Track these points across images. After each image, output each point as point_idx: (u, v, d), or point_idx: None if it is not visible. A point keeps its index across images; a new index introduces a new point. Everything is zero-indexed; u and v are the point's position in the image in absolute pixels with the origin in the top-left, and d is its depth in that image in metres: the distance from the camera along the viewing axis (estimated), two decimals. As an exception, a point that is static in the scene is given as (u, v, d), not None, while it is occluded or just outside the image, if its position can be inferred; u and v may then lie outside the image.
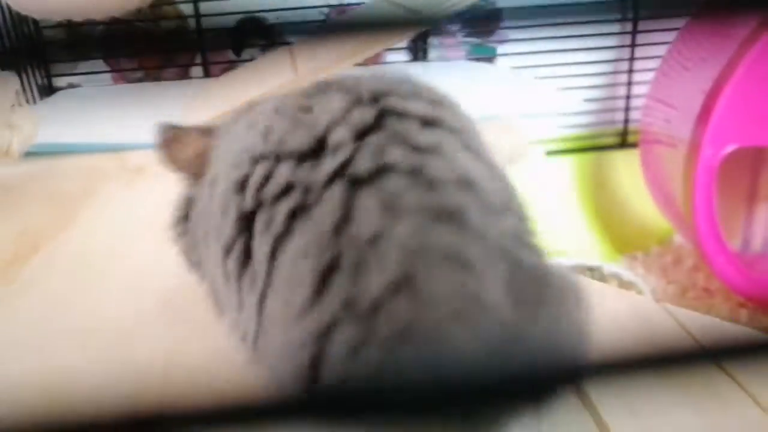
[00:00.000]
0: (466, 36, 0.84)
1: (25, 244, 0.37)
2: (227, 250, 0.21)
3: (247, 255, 0.21)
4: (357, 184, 0.19)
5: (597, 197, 0.89)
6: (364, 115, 0.22)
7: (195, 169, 0.27)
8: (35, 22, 0.76)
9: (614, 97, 0.87)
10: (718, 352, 0.14)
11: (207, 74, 0.81)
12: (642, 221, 0.89)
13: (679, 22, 0.79)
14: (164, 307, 0.31)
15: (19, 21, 0.75)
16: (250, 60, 0.80)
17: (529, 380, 0.17)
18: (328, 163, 0.20)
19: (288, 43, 0.79)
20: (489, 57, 0.85)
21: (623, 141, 0.88)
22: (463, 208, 0.20)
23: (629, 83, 0.86)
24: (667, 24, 0.82)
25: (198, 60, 0.81)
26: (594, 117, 0.88)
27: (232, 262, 0.21)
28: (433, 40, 0.83)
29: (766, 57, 0.65)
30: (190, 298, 0.31)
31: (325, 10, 0.80)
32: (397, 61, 0.83)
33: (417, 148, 0.21)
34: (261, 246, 0.20)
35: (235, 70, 0.75)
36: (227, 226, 0.21)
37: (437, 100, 0.24)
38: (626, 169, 0.87)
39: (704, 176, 0.68)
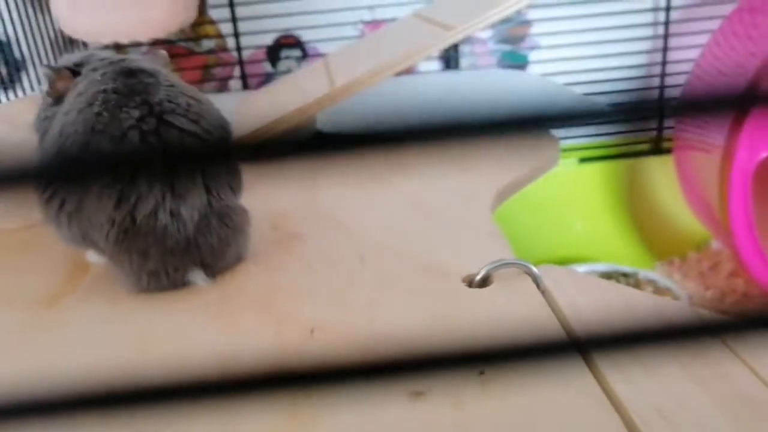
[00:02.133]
0: (497, 43, 0.85)
1: (83, 255, 0.40)
2: None
3: None
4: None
5: (631, 204, 0.89)
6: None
7: (60, 96, 0.37)
8: (84, 44, 0.80)
9: (647, 101, 0.87)
10: (719, 325, 0.16)
11: (245, 87, 0.84)
12: (678, 227, 0.88)
13: (711, 24, 0.79)
14: (214, 317, 0.32)
15: (70, 43, 0.79)
16: (286, 72, 0.82)
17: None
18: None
19: (322, 55, 0.82)
20: (521, 64, 0.86)
21: (657, 147, 0.87)
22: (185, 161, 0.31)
23: (662, 88, 0.86)
24: (700, 27, 0.82)
25: (236, 74, 0.84)
26: (627, 123, 0.88)
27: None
28: (464, 48, 0.84)
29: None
30: (239, 306, 0.33)
31: (360, 25, 0.82)
32: (429, 70, 0.84)
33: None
34: None
35: (272, 83, 0.77)
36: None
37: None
38: (660, 176, 0.87)
39: (740, 181, 0.68)
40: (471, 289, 0.32)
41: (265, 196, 0.47)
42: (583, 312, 0.31)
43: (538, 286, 0.32)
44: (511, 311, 0.30)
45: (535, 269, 0.33)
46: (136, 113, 0.33)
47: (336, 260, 0.36)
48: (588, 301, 0.33)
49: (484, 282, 0.33)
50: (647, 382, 0.26)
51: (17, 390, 0.15)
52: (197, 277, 0.35)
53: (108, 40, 0.72)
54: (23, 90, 0.77)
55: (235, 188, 0.37)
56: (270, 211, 0.44)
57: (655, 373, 0.27)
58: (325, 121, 0.57)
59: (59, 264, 0.39)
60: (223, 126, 0.36)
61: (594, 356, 0.27)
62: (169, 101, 0.34)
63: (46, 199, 0.35)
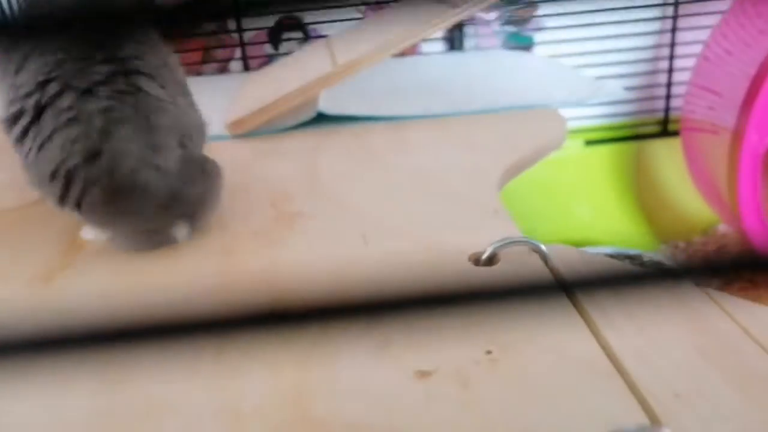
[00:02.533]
0: (502, 24, 0.84)
1: (80, 233, 0.39)
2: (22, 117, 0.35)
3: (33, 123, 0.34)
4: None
5: (637, 186, 0.88)
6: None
7: None
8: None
9: (655, 85, 0.86)
10: (697, 270, 0.16)
11: (246, 68, 0.83)
12: (684, 211, 0.87)
13: (722, 5, 0.78)
14: (214, 290, 0.32)
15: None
16: (288, 54, 0.81)
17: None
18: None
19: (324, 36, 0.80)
20: (526, 45, 0.85)
21: (664, 129, 0.86)
22: (158, 117, 0.34)
23: (670, 70, 0.84)
24: (709, 7, 0.81)
25: (237, 55, 0.83)
26: (634, 105, 0.87)
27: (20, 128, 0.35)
28: (468, 30, 0.83)
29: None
30: (239, 280, 0.32)
31: (362, 7, 0.80)
32: (433, 51, 0.83)
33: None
34: (46, 120, 0.34)
35: (274, 63, 0.76)
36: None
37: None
38: (667, 158, 0.86)
39: (749, 163, 0.67)
40: (478, 268, 0.31)
41: (264, 174, 0.46)
42: (592, 289, 0.30)
43: (546, 264, 0.32)
44: (520, 288, 0.30)
45: (543, 247, 0.32)
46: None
47: (338, 239, 0.36)
48: (596, 278, 0.32)
49: (491, 260, 0.32)
50: (651, 352, 0.25)
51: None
52: (182, 231, 0.36)
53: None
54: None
55: (202, 140, 0.38)
56: (269, 189, 0.43)
57: (659, 343, 0.26)
58: (327, 102, 0.56)
59: (55, 242, 0.38)
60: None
61: (600, 325, 0.26)
62: None
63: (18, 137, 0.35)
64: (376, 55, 0.51)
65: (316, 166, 0.47)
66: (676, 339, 0.27)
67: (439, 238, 0.35)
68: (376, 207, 0.39)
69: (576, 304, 0.28)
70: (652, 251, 0.84)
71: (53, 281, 0.34)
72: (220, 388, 0.24)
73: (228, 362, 0.25)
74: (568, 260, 0.32)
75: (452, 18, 0.51)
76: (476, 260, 0.32)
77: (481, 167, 0.44)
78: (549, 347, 0.26)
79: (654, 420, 0.22)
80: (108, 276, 0.34)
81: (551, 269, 0.31)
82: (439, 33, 0.81)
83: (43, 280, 0.34)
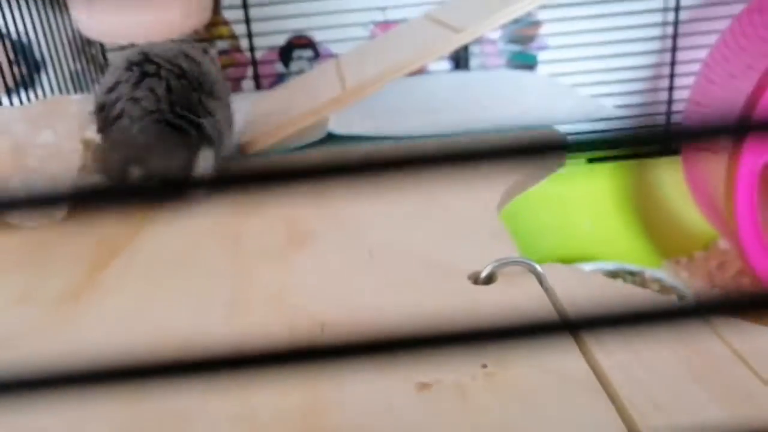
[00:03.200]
0: (507, 43, 0.86)
1: (104, 251, 0.41)
2: None
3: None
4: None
5: (639, 203, 0.89)
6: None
7: None
8: (101, 44, 0.82)
9: (656, 102, 0.88)
10: (703, 307, 0.17)
11: (258, 87, 0.85)
12: (685, 227, 0.89)
13: (721, 24, 0.80)
14: (229, 309, 0.34)
15: (88, 44, 0.81)
16: (299, 72, 0.84)
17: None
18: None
19: (334, 55, 0.83)
20: (530, 64, 0.87)
21: (666, 147, 0.88)
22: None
23: (671, 88, 0.86)
24: (709, 27, 0.83)
25: (249, 74, 0.85)
26: (636, 123, 0.89)
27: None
28: (474, 48, 0.85)
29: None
30: (252, 300, 0.34)
31: (371, 26, 0.83)
32: (439, 70, 0.85)
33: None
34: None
35: (284, 84, 0.78)
36: None
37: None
38: (668, 175, 0.88)
39: (746, 182, 0.68)
40: (476, 286, 0.33)
41: (278, 195, 0.48)
42: (584, 309, 0.32)
43: (541, 283, 0.34)
44: (515, 308, 0.32)
45: (538, 267, 0.34)
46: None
47: (346, 257, 0.38)
48: (590, 299, 0.34)
49: (490, 279, 0.34)
50: (641, 372, 0.27)
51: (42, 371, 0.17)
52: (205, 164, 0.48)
53: (124, 40, 0.73)
54: (42, 89, 0.79)
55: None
56: (281, 209, 0.45)
57: (649, 363, 0.28)
58: (337, 122, 0.58)
59: (80, 262, 0.40)
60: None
61: (591, 346, 0.28)
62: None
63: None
64: (383, 78, 0.53)
65: (326, 186, 0.49)
66: (665, 357, 0.29)
67: (441, 257, 0.37)
68: (383, 229, 0.41)
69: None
70: (654, 267, 0.85)
71: (78, 301, 0.36)
72: (236, 400, 0.26)
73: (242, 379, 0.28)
74: (563, 280, 0.34)
75: (456, 44, 0.53)
76: (475, 279, 0.34)
77: (483, 189, 0.46)
78: (540, 363, 0.28)
79: None
80: (132, 296, 0.36)
81: (546, 289, 0.33)
82: (445, 54, 0.84)
83: (69, 300, 0.36)
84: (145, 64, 0.47)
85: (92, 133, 0.50)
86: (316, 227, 0.42)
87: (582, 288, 0.35)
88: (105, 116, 0.47)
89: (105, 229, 0.45)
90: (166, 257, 0.40)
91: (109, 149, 0.47)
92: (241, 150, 0.57)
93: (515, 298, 0.32)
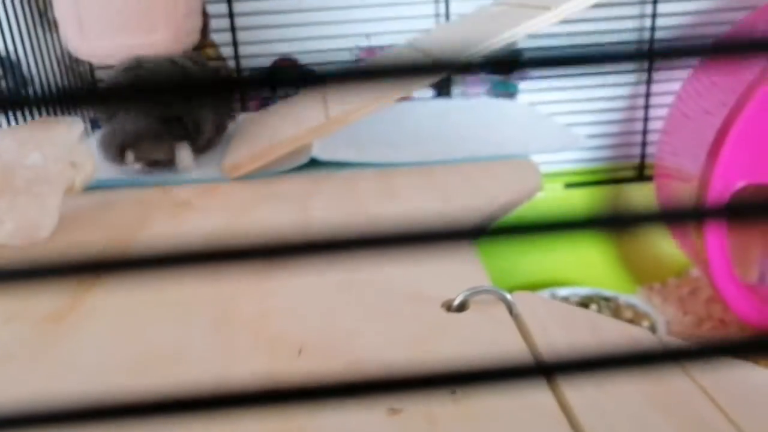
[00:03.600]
0: (488, 73, 0.89)
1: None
2: None
3: None
4: None
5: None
6: None
7: None
8: (90, 64, 0.83)
9: (631, 132, 0.91)
10: (681, 353, 0.18)
11: (244, 109, 0.87)
12: (659, 253, 0.91)
13: (694, 61, 0.83)
14: (213, 332, 0.35)
15: (76, 62, 0.82)
16: (284, 95, 0.85)
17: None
18: None
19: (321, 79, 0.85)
20: (511, 93, 0.89)
21: (640, 174, 0.91)
22: None
23: (645, 119, 0.89)
24: (683, 62, 0.86)
25: (236, 97, 0.87)
26: (612, 151, 0.91)
27: None
28: (456, 76, 0.88)
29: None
30: (237, 324, 0.36)
31: (356, 51, 0.85)
32: (422, 97, 0.88)
33: None
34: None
35: (269, 108, 0.80)
36: None
37: None
38: (643, 202, 0.90)
39: (715, 212, 0.71)
40: (448, 314, 0.35)
41: (256, 221, 0.50)
42: (551, 336, 0.34)
43: (510, 312, 0.35)
44: (483, 336, 0.33)
45: (508, 296, 0.36)
46: None
47: (325, 283, 0.39)
48: (558, 326, 0.35)
49: (462, 307, 0.35)
50: (606, 404, 0.29)
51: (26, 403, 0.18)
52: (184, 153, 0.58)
53: (114, 61, 0.74)
54: (29, 106, 0.80)
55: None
56: (264, 235, 0.46)
57: (615, 396, 0.30)
58: (320, 148, 0.60)
59: (64, 282, 0.41)
60: None
61: (558, 379, 0.30)
62: None
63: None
64: (366, 108, 0.55)
65: (308, 211, 0.50)
66: (632, 391, 0.30)
67: (416, 284, 0.38)
68: (357, 251, 0.43)
69: (534, 353, 0.32)
70: (628, 292, 0.88)
71: (64, 321, 0.37)
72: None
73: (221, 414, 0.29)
74: (532, 308, 0.36)
75: (439, 74, 0.55)
76: (448, 307, 0.36)
77: (458, 218, 0.47)
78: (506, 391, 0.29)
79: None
80: (117, 317, 0.37)
81: (515, 317, 0.35)
82: (425, 85, 0.86)
83: (54, 320, 0.37)
84: (138, 69, 0.62)
85: (80, 156, 0.51)
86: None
87: (551, 316, 0.36)
88: (107, 111, 0.61)
89: (91, 250, 0.46)
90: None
91: (109, 137, 0.59)
92: (227, 173, 0.58)
93: (485, 326, 0.34)
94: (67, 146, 0.50)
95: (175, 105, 0.60)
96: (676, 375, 0.32)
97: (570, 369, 0.25)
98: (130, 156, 0.58)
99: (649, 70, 0.87)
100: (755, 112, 0.69)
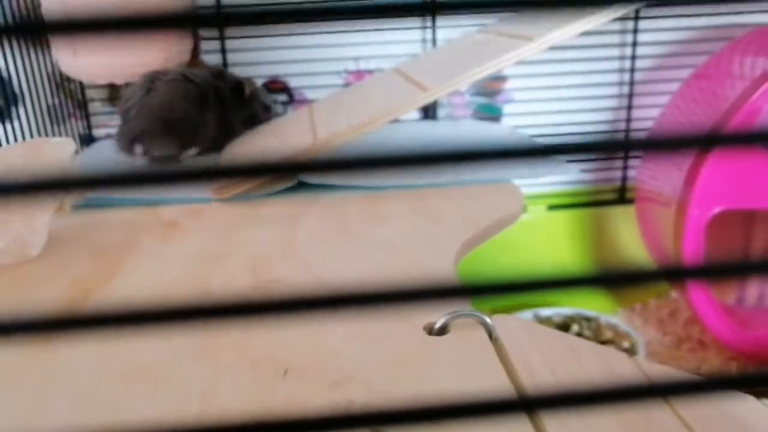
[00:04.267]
0: (473, 95, 0.90)
1: (77, 292, 0.43)
2: None
3: None
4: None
5: (597, 250, 0.93)
6: None
7: None
8: (81, 83, 0.84)
9: (613, 157, 0.93)
10: (665, 389, 0.19)
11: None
12: (640, 268, 0.93)
13: (673, 86, 0.85)
14: (199, 352, 0.36)
15: (67, 80, 0.83)
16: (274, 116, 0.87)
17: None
18: None
19: (308, 101, 0.86)
20: (495, 116, 0.91)
21: (621, 197, 0.93)
22: None
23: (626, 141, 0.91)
24: (661, 88, 0.88)
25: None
26: (594, 174, 0.93)
27: None
28: (442, 99, 0.89)
29: (750, 123, 0.71)
30: (220, 343, 0.36)
31: (344, 75, 0.87)
32: (408, 119, 0.89)
33: None
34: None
35: (259, 128, 0.81)
36: None
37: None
38: (624, 224, 0.92)
39: (692, 236, 0.73)
40: (430, 337, 0.36)
41: (246, 239, 0.51)
42: (530, 360, 0.35)
43: (490, 336, 0.36)
44: (463, 359, 0.34)
45: (488, 320, 0.37)
46: None
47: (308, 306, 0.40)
48: (536, 350, 0.37)
49: (443, 330, 0.36)
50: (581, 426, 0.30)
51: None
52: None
53: (105, 81, 0.76)
54: (19, 122, 0.80)
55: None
56: (249, 256, 0.47)
57: (593, 425, 0.31)
58: (307, 169, 0.61)
59: (53, 299, 0.42)
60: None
61: (538, 412, 0.31)
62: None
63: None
64: (352, 132, 0.56)
65: (294, 234, 0.51)
66: (609, 422, 0.31)
67: (399, 307, 0.39)
68: (345, 278, 0.44)
69: (512, 378, 0.33)
70: (609, 313, 0.89)
71: (50, 343, 0.37)
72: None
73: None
74: (511, 332, 0.37)
75: (422, 102, 0.57)
76: (430, 330, 0.37)
77: (442, 241, 0.49)
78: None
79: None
80: (103, 344, 0.38)
81: (494, 340, 0.36)
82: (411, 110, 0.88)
83: (41, 342, 0.38)
84: (155, 81, 0.69)
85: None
86: (281, 275, 0.44)
87: (530, 340, 0.37)
88: (123, 113, 0.70)
89: (80, 269, 0.47)
90: (138, 300, 0.42)
91: (121, 132, 0.69)
92: (215, 194, 0.59)
93: (465, 349, 0.35)
94: (58, 166, 0.51)
95: (178, 106, 0.68)
96: (654, 404, 0.34)
97: (550, 404, 0.26)
98: (138, 149, 0.67)
99: (630, 96, 0.90)
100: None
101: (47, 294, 0.43)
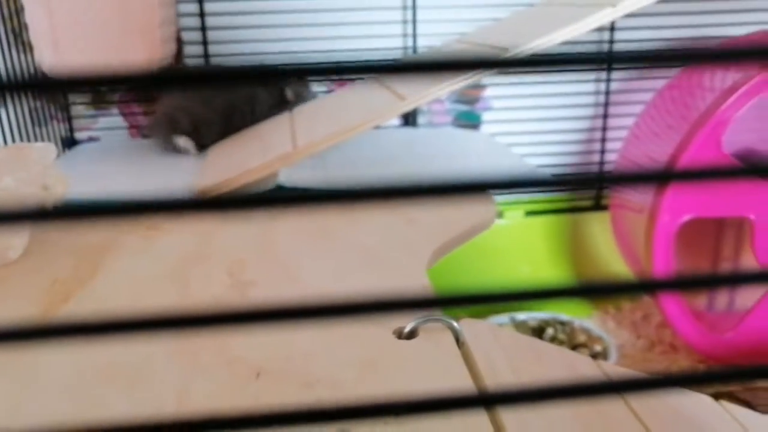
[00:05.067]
0: (453, 102, 0.92)
1: (57, 293, 0.44)
2: None
3: None
4: None
5: (573, 255, 0.96)
6: None
7: None
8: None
9: (589, 163, 0.95)
10: (618, 386, 0.20)
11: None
12: (614, 278, 0.95)
13: (646, 96, 0.88)
14: (177, 353, 0.37)
15: (50, 82, 0.83)
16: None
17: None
18: None
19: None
20: (474, 123, 0.93)
21: (597, 204, 0.95)
22: None
23: (602, 151, 0.94)
24: (636, 98, 0.91)
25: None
26: (566, 190, 0.96)
27: None
28: (422, 106, 0.91)
29: (718, 134, 0.73)
30: (196, 347, 0.37)
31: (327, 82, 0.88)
32: (388, 125, 0.91)
33: None
34: None
35: (239, 135, 0.82)
36: None
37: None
38: (599, 230, 0.94)
39: (662, 243, 0.75)
40: (399, 341, 0.37)
41: (224, 243, 0.52)
42: (495, 364, 0.37)
43: (457, 340, 0.38)
44: (430, 362, 0.36)
45: (456, 325, 0.38)
46: None
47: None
48: (502, 354, 0.38)
49: (412, 334, 0.38)
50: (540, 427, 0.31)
51: None
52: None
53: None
54: (0, 124, 0.81)
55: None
56: (228, 258, 0.48)
57: (548, 418, 0.32)
58: (287, 174, 0.62)
59: (33, 304, 0.43)
60: None
61: (497, 408, 0.32)
62: None
63: None
64: (332, 139, 0.58)
65: (272, 236, 0.53)
66: (564, 414, 0.33)
67: (372, 317, 0.41)
68: (321, 280, 0.45)
69: (476, 381, 0.35)
70: (584, 316, 0.91)
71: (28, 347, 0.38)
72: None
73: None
74: (478, 336, 0.39)
75: (399, 111, 0.58)
76: (399, 334, 0.38)
77: (416, 246, 0.50)
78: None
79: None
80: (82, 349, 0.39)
81: (461, 344, 0.37)
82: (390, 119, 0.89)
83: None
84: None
85: (52, 179, 0.53)
86: (257, 276, 0.46)
87: (496, 344, 0.39)
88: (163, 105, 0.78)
89: (60, 271, 0.47)
90: (116, 302, 0.43)
91: (160, 123, 0.77)
92: (198, 196, 0.60)
93: (432, 353, 0.36)
94: (40, 170, 0.51)
95: (220, 98, 0.75)
96: (611, 401, 0.35)
97: (509, 400, 0.27)
98: (181, 139, 0.74)
99: (606, 105, 0.92)
100: (701, 148, 0.73)
101: (27, 297, 0.44)
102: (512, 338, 0.42)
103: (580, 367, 0.41)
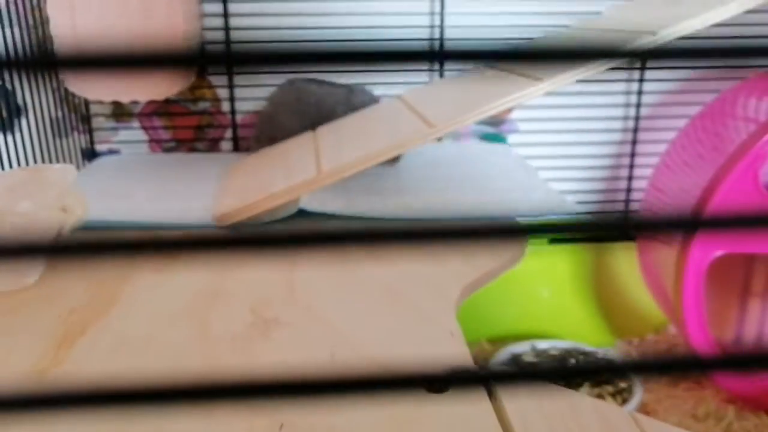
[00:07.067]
0: (478, 124, 0.90)
1: (74, 324, 0.42)
2: None
3: None
4: None
5: (597, 284, 0.93)
6: None
7: None
8: (85, 100, 0.84)
9: (616, 190, 0.93)
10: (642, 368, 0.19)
11: (236, 148, 0.88)
12: (638, 309, 0.93)
13: (678, 122, 0.85)
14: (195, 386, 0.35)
15: (72, 96, 0.82)
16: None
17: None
18: None
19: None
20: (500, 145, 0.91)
21: (624, 233, 0.92)
22: None
23: (629, 178, 0.91)
24: (666, 124, 0.88)
25: (228, 135, 0.88)
26: (597, 207, 0.93)
27: None
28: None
29: (756, 167, 0.70)
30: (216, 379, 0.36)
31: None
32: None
33: None
34: None
35: (261, 152, 0.81)
36: None
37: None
38: (625, 260, 0.92)
39: (693, 278, 0.72)
40: (429, 394, 0.35)
41: (245, 276, 0.50)
42: (528, 419, 0.35)
43: (489, 393, 0.36)
44: (461, 417, 0.34)
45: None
46: None
47: (308, 353, 0.40)
48: (535, 408, 0.36)
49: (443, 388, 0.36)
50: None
51: None
52: None
53: (109, 99, 0.75)
54: (21, 135, 0.80)
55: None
56: (249, 293, 0.47)
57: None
58: (309, 199, 0.61)
59: (49, 335, 0.41)
60: None
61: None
62: None
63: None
64: (357, 165, 0.56)
65: (293, 270, 0.51)
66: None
67: (398, 357, 0.39)
68: (345, 319, 0.43)
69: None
70: (607, 346, 0.89)
71: (44, 376, 0.37)
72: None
73: None
74: (513, 390, 0.37)
75: (428, 137, 0.57)
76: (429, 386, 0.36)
77: (443, 284, 0.48)
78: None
79: None
80: (95, 377, 0.37)
81: (494, 398, 0.35)
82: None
83: (35, 376, 0.37)
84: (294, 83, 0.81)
85: (71, 200, 0.52)
86: (281, 312, 0.44)
87: (530, 398, 0.37)
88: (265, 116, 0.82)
89: (77, 299, 0.46)
90: (134, 336, 0.42)
91: (264, 133, 0.81)
92: (216, 221, 0.59)
93: (463, 408, 0.34)
94: (59, 193, 0.50)
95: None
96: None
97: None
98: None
99: (635, 131, 0.90)
100: (736, 182, 0.71)
101: (43, 324, 0.42)
102: (546, 392, 0.40)
103: (614, 422, 0.39)
